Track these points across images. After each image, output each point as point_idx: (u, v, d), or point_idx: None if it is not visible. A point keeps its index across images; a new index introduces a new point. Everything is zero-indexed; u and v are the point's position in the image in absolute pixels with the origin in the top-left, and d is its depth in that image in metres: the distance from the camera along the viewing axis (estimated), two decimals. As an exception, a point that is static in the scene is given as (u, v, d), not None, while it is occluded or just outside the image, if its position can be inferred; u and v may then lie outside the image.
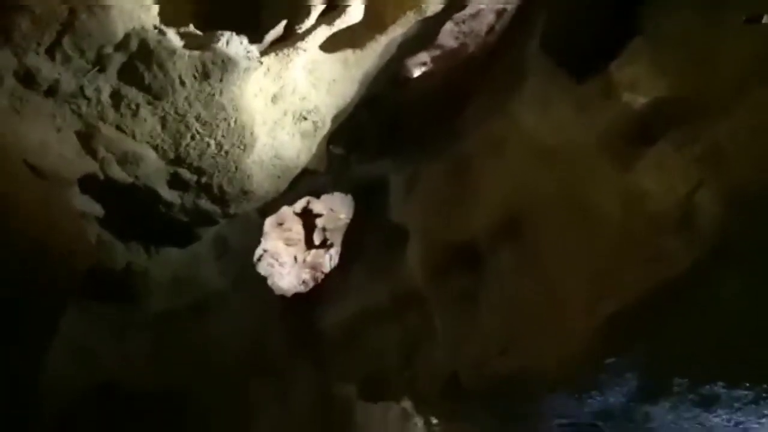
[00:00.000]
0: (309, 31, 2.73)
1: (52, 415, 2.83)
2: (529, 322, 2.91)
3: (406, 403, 4.36)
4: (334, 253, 5.73)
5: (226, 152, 2.99)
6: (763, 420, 3.09)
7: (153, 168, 2.95)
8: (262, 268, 5.49)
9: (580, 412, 3.14)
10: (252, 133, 2.93)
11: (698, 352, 2.77)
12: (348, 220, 5.38)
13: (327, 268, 5.72)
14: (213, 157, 2.98)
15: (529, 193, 3.15)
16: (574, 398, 3.01)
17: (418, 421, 4.46)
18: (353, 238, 5.01)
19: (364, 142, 4.13)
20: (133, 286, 3.19)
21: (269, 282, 5.24)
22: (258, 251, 5.28)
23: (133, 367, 3.12)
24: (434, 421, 4.39)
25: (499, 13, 3.51)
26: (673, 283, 2.55)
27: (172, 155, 2.94)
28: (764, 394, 2.91)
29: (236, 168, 3.06)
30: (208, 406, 3.50)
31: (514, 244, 3.12)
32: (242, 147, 2.97)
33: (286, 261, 5.92)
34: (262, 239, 5.06)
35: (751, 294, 2.56)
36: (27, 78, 2.42)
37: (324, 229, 5.98)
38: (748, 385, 2.86)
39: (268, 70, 2.81)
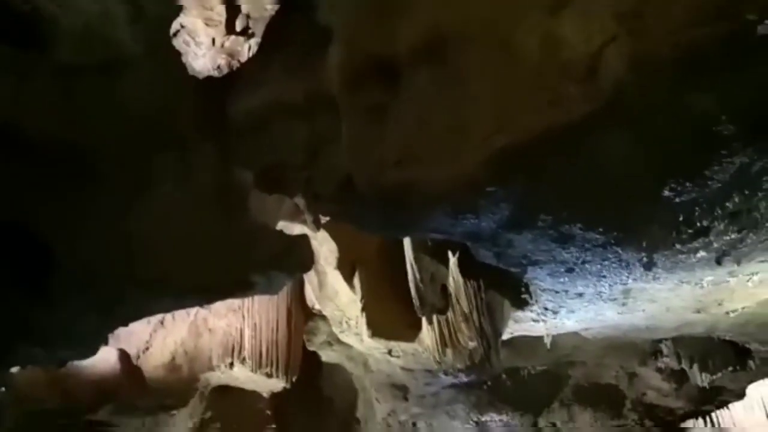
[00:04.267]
0: None
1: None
2: (429, 141, 3.05)
3: (300, 200, 4.60)
4: (254, 43, 5.59)
5: None
6: (605, 262, 3.52)
7: None
8: (178, 44, 5.32)
9: (454, 230, 3.45)
10: None
11: (567, 195, 3.06)
12: (274, 12, 5.22)
13: (244, 58, 5.61)
14: None
15: (460, 20, 3.16)
16: (452, 217, 3.28)
17: (308, 217, 4.74)
18: (276, 31, 4.90)
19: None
20: (41, 31, 3.05)
21: (183, 59, 5.11)
22: (175, 25, 5.08)
23: (35, 113, 3.07)
24: (323, 219, 4.68)
25: None
26: (564, 129, 2.74)
27: None
28: (612, 241, 3.30)
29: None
30: (109, 169, 3.52)
31: (434, 66, 3.16)
32: None
33: (203, 41, 5.72)
34: (181, 13, 4.86)
35: (629, 155, 2.81)
36: None
37: (248, 17, 5.77)
38: (601, 230, 3.22)
39: None
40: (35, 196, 3.23)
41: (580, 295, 4.15)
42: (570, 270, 3.72)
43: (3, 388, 4.87)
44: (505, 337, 4.89)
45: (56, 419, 5.78)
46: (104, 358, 5.66)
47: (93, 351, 4.78)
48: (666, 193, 2.92)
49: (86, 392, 5.73)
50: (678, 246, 3.37)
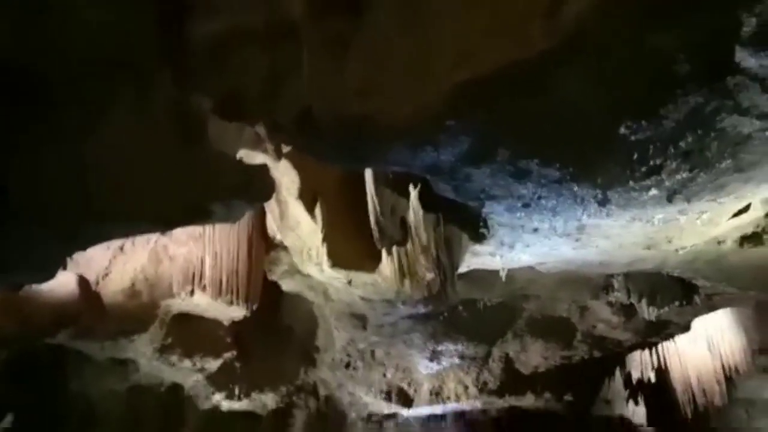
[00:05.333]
0: None
1: None
2: (391, 73, 3.03)
3: (261, 129, 4.54)
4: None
5: None
6: (561, 198, 3.59)
7: None
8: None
9: (413, 163, 3.47)
10: None
11: (525, 131, 3.09)
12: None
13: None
14: None
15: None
16: (411, 150, 3.29)
17: (269, 147, 4.70)
18: (238, -48, 4.71)
19: None
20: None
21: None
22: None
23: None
24: (284, 149, 4.65)
25: None
26: (524, 64, 2.75)
27: None
28: (568, 177, 3.36)
29: None
30: (62, 96, 3.41)
31: (398, -1, 3.12)
32: None
33: (161, -40, 5.51)
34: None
35: (588, 92, 2.83)
36: None
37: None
38: (557, 166, 3.27)
39: None
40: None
41: (536, 230, 4.24)
42: (526, 205, 3.79)
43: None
44: (462, 269, 5.00)
45: (13, 343, 5.79)
46: (62, 283, 5.64)
47: (49, 276, 4.73)
48: (622, 131, 2.97)
49: (44, 317, 5.71)
50: (631, 183, 3.45)
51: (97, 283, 5.93)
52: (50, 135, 3.35)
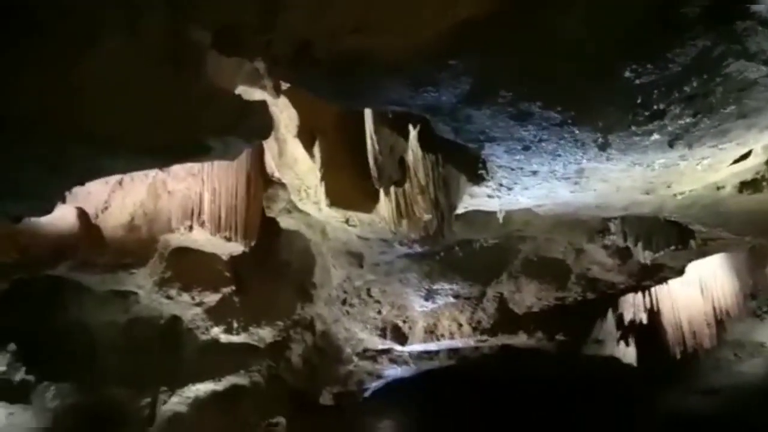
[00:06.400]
0: None
1: None
2: (389, 8, 2.95)
3: (259, 64, 4.46)
4: None
5: None
6: (561, 142, 3.57)
7: None
8: None
9: (413, 103, 3.43)
10: None
11: (528, 72, 3.05)
12: None
13: None
14: None
15: None
16: (412, 89, 3.25)
17: (268, 83, 4.62)
18: None
19: None
20: None
21: None
22: None
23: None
24: (283, 85, 4.58)
25: None
26: (521, 3, 2.69)
27: None
28: (569, 121, 3.34)
29: None
30: (53, 20, 3.32)
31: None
32: None
33: None
34: None
35: (592, 34, 2.78)
36: None
37: None
38: (559, 109, 3.24)
39: None
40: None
41: (535, 173, 4.23)
42: (526, 148, 3.77)
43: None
44: (459, 210, 5.01)
45: (14, 273, 5.85)
46: (62, 216, 5.66)
47: (48, 208, 4.74)
48: (627, 74, 2.93)
49: (44, 249, 5.76)
50: (633, 128, 3.43)
51: (97, 216, 5.95)
52: (41, 61, 3.30)
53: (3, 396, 6.39)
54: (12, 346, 6.42)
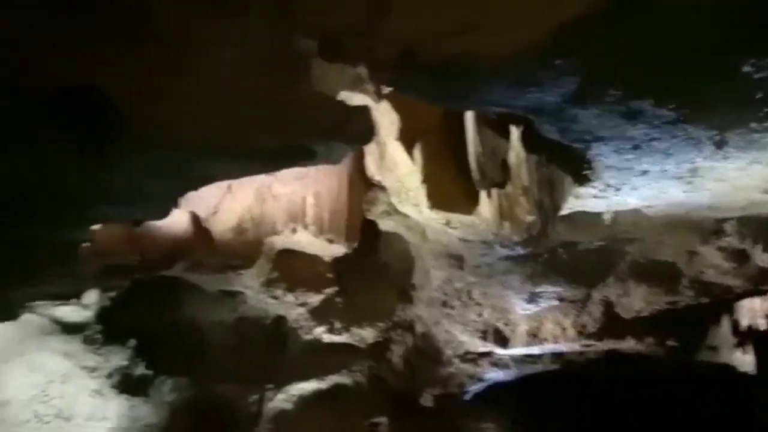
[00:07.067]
0: None
1: None
2: (493, 9, 2.94)
3: (362, 69, 4.54)
4: None
5: None
6: (674, 140, 3.42)
7: None
8: None
9: (517, 104, 3.38)
10: None
11: (639, 69, 2.94)
12: None
13: None
14: None
15: None
16: (516, 90, 3.20)
17: (370, 87, 4.70)
18: None
19: None
20: None
21: None
22: None
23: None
24: (385, 89, 4.64)
25: None
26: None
27: None
28: (683, 118, 3.19)
29: None
30: (168, 33, 3.49)
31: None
32: None
33: None
34: None
35: (708, 28, 2.65)
36: None
37: None
38: (672, 107, 3.11)
39: None
40: (103, 58, 3.29)
41: (645, 172, 4.07)
42: (636, 147, 3.63)
43: (87, 243, 5.23)
44: (564, 212, 4.89)
45: (133, 273, 6.24)
46: (177, 220, 5.98)
47: (165, 212, 5.04)
48: (745, 68, 2.77)
49: (160, 250, 6.11)
50: (753, 125, 3.24)
51: (207, 220, 6.25)
52: (158, 72, 3.50)
53: (125, 389, 6.83)
54: (132, 342, 6.85)
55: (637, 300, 7.10)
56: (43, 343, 6.66)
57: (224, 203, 6.33)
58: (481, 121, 4.45)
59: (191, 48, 3.45)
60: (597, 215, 5.18)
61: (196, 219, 6.16)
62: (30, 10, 2.76)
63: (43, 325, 6.62)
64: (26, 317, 6.35)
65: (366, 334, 7.41)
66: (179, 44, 3.40)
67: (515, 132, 4.24)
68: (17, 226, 4.25)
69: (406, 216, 6.18)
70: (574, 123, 3.42)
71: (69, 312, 6.63)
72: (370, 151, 5.83)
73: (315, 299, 7.04)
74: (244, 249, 6.44)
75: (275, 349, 7.27)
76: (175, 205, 5.07)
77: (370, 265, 7.31)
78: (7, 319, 5.99)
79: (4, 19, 2.74)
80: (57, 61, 3.07)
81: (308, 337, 7.29)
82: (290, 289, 6.91)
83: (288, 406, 7.38)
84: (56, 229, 4.56)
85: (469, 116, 4.53)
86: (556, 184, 4.41)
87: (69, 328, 6.71)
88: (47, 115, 3.40)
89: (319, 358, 7.36)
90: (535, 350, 7.61)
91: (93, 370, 6.77)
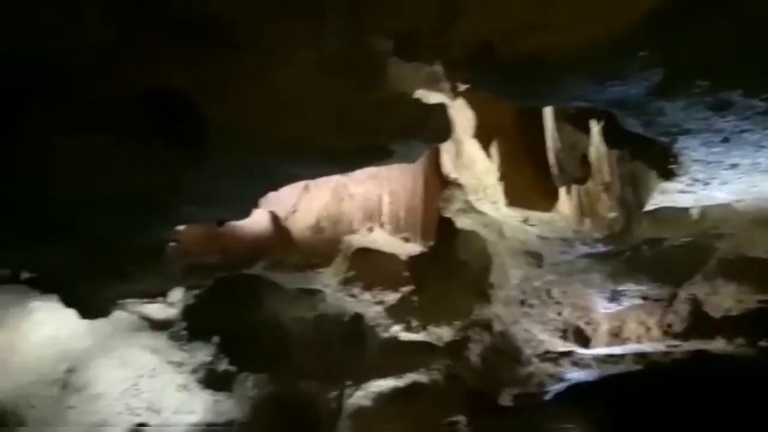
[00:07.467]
0: None
1: None
2: (570, 3, 2.89)
3: (437, 67, 4.54)
4: None
5: None
6: (766, 132, 3.26)
7: None
8: None
9: (598, 98, 3.30)
10: None
11: (728, 59, 2.82)
12: None
13: None
14: None
15: None
16: (597, 84, 3.13)
17: (446, 85, 4.69)
18: None
19: None
20: None
21: None
22: None
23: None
24: (461, 87, 4.62)
25: None
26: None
27: None
28: (776, 108, 3.04)
29: None
30: (246, 38, 3.57)
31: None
32: None
33: None
34: None
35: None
36: None
37: None
38: (764, 97, 2.96)
39: None
40: (186, 65, 3.41)
41: (735, 166, 3.89)
42: (726, 140, 3.48)
43: (173, 243, 5.45)
44: (648, 208, 4.74)
45: (216, 272, 6.45)
46: (257, 220, 6.14)
47: (246, 212, 5.19)
48: None
49: (242, 249, 6.29)
50: None
51: (286, 219, 6.39)
52: (238, 76, 3.60)
53: (209, 384, 7.07)
54: (216, 339, 7.08)
55: (726, 298, 6.79)
56: (132, 339, 6.98)
57: (302, 203, 6.44)
58: (559, 116, 4.37)
59: (268, 51, 3.53)
60: (684, 211, 4.99)
61: (275, 218, 6.31)
62: (126, 22, 2.90)
63: (132, 321, 6.94)
64: (117, 314, 6.66)
65: (443, 333, 7.39)
66: (256, 49, 3.50)
67: (596, 127, 4.14)
68: (111, 227, 4.46)
69: (483, 213, 6.13)
70: (659, 116, 3.31)
71: (156, 309, 6.94)
72: (446, 148, 5.81)
73: (392, 297, 7.07)
74: (322, 248, 6.54)
75: (354, 347, 7.35)
76: (256, 205, 5.21)
77: (447, 263, 7.29)
78: (100, 316, 6.30)
79: (110, 29, 2.89)
80: (147, 68, 3.21)
81: (386, 335, 7.34)
82: (367, 287, 6.97)
83: (367, 403, 7.45)
84: (145, 229, 4.76)
85: (548, 111, 4.45)
86: (639, 180, 4.28)
87: (156, 325, 7.01)
88: (136, 120, 3.57)
89: (397, 356, 7.39)
90: (617, 350, 7.39)
91: (179, 365, 7.05)
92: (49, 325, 6.68)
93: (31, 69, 3.00)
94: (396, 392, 7.50)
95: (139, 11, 2.86)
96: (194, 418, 7.03)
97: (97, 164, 3.78)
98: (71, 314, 6.08)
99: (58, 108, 3.33)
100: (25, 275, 6.02)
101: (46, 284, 5.92)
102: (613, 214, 4.52)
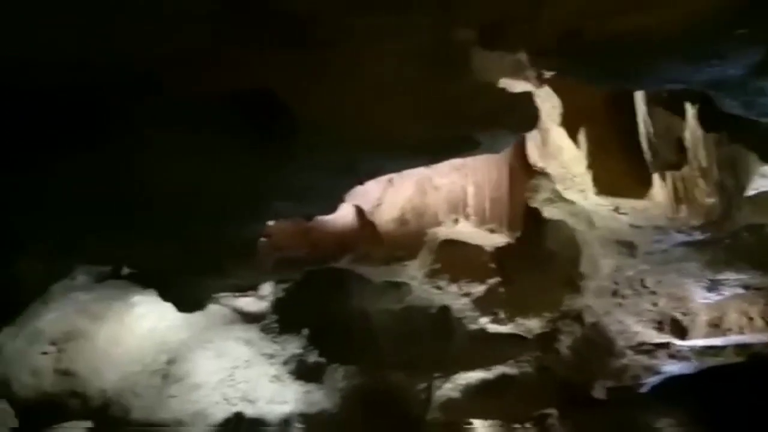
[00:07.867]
0: None
1: None
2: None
3: (522, 55, 4.46)
4: None
5: None
6: None
7: None
8: None
9: (694, 79, 3.18)
10: None
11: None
12: None
13: None
14: None
15: None
16: (693, 65, 3.02)
17: (531, 73, 4.60)
18: None
19: None
20: None
21: None
22: None
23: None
24: (546, 74, 4.52)
25: None
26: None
27: None
28: None
29: None
30: (332, 35, 3.63)
31: None
32: None
33: None
34: None
35: None
36: None
37: None
38: None
39: None
40: (276, 65, 3.51)
41: None
42: (835, 119, 3.29)
43: (264, 238, 5.63)
44: (749, 192, 4.52)
45: (305, 265, 6.61)
46: (343, 215, 6.26)
47: (334, 207, 5.29)
48: None
49: (329, 243, 6.43)
50: None
51: (372, 212, 6.46)
52: (326, 73, 3.66)
53: (300, 375, 7.27)
54: (306, 331, 7.26)
55: (838, 287, 6.39)
56: (227, 332, 7.26)
57: (387, 196, 6.51)
58: (651, 99, 4.21)
59: (355, 49, 3.58)
60: (788, 195, 4.73)
61: (361, 212, 6.40)
62: (222, 28, 3.01)
63: (225, 314, 7.22)
64: (211, 308, 6.94)
65: (532, 325, 7.28)
66: (344, 46, 3.55)
67: (691, 110, 3.97)
68: (207, 223, 4.66)
69: (571, 203, 5.99)
70: (761, 96, 3.15)
71: (248, 303, 7.20)
72: (532, 137, 5.71)
73: (478, 289, 7.03)
74: (408, 240, 6.59)
75: (441, 338, 7.36)
76: (343, 199, 5.31)
77: (535, 254, 7.17)
78: (196, 310, 6.58)
79: (206, 35, 3.02)
80: (241, 69, 3.32)
81: (473, 326, 7.30)
82: (453, 279, 6.96)
83: (455, 394, 7.44)
84: (239, 225, 4.94)
85: (639, 95, 4.30)
86: (739, 163, 4.09)
87: (248, 318, 7.27)
88: (229, 119, 3.71)
89: (485, 348, 7.35)
90: (717, 341, 7.07)
91: (271, 357, 7.28)
92: (150, 318, 7.03)
93: (134, 74, 3.17)
94: (485, 384, 7.46)
95: (235, 15, 2.96)
96: (287, 408, 7.24)
97: (193, 163, 3.94)
98: (169, 308, 6.39)
99: (156, 110, 3.51)
100: (125, 271, 6.38)
101: (145, 279, 6.25)
102: (711, 201, 4.32)
